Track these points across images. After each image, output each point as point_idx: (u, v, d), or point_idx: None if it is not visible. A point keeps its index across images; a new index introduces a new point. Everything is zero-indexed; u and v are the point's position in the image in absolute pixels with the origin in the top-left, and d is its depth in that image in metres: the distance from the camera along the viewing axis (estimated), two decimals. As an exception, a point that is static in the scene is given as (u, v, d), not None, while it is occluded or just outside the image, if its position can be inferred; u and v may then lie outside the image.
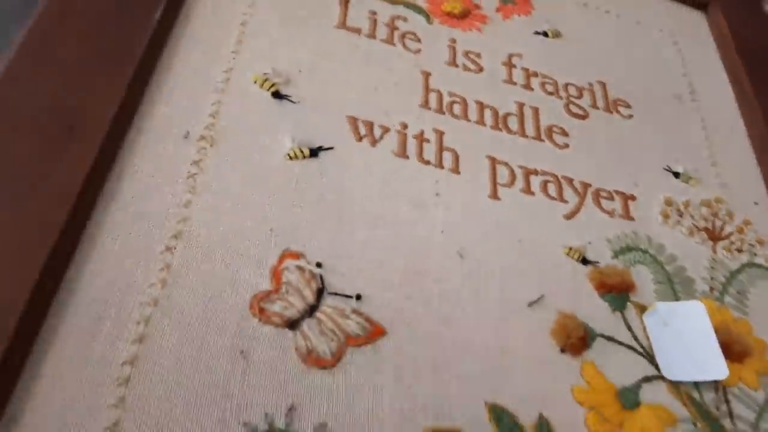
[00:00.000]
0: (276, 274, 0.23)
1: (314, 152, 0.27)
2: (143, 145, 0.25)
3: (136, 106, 0.25)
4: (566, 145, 0.32)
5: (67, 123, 0.23)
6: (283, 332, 0.22)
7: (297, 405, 0.21)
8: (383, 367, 0.23)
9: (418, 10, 0.34)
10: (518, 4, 0.37)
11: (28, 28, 0.25)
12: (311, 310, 0.23)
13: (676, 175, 0.33)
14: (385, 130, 0.29)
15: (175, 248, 0.23)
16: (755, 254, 0.31)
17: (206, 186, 0.25)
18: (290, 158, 0.26)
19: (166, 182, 0.24)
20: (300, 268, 0.24)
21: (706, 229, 0.31)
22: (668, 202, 0.31)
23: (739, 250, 0.31)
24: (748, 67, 0.39)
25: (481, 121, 0.31)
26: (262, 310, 0.22)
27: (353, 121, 0.29)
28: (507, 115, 0.32)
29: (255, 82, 0.28)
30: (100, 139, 0.23)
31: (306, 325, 0.23)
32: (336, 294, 0.24)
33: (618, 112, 0.34)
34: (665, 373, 0.25)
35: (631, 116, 0.34)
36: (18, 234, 0.21)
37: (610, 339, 0.26)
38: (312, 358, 0.22)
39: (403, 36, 0.33)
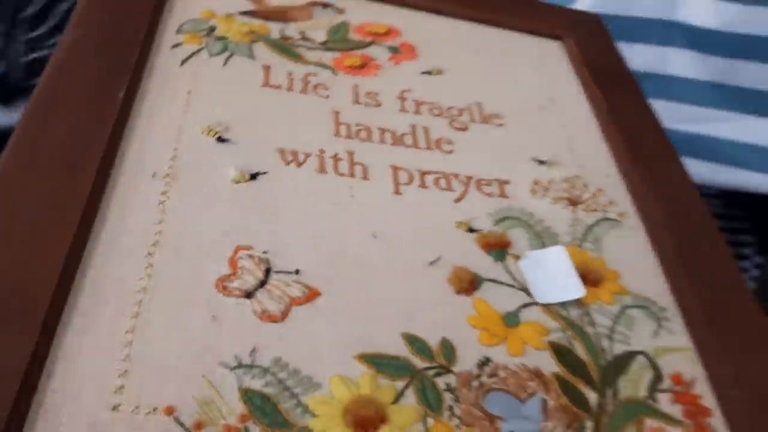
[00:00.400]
0: (233, 263, 0.31)
1: (254, 176, 0.35)
2: (123, 184, 0.32)
3: (114, 157, 0.33)
4: (451, 151, 0.41)
5: (67, 166, 0.31)
6: (243, 301, 0.30)
7: (257, 348, 0.28)
8: (319, 318, 0.30)
9: (325, 66, 0.44)
10: (404, 53, 0.47)
11: (30, 102, 0.34)
12: (262, 283, 0.31)
13: (542, 162, 0.42)
14: (307, 155, 0.37)
15: (154, 253, 0.30)
16: (607, 211, 0.40)
17: (173, 208, 0.32)
18: (236, 182, 0.35)
19: (143, 207, 0.32)
20: (251, 256, 0.31)
21: (567, 198, 0.40)
22: (536, 182, 0.40)
23: (595, 210, 0.39)
24: (597, 79, 0.49)
25: (382, 141, 0.40)
26: (225, 287, 0.30)
27: (281, 151, 0.37)
28: (403, 134, 0.41)
29: (202, 133, 0.36)
30: (91, 179, 0.31)
31: (259, 294, 0.30)
32: (279, 272, 0.31)
33: (492, 122, 0.44)
34: (538, 299, 0.33)
35: (502, 125, 0.44)
36: (38, 246, 0.28)
37: (494, 281, 0.34)
38: (266, 316, 0.29)
39: (315, 87, 0.42)
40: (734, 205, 0.75)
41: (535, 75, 0.49)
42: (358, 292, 0.31)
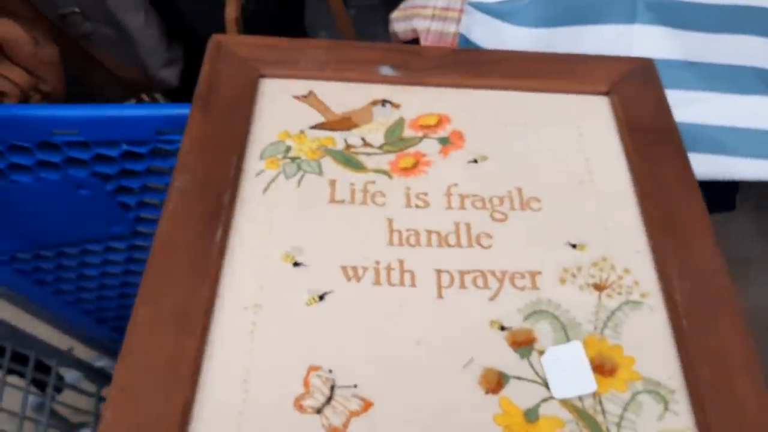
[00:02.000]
0: (306, 383, 0.41)
1: (321, 297, 0.44)
2: (222, 318, 0.43)
3: (215, 297, 0.44)
4: (490, 246, 0.47)
5: (182, 322, 0.42)
6: (315, 416, 0.40)
7: (326, 456, 0.38)
8: (374, 427, 0.39)
9: (383, 172, 0.51)
10: (453, 143, 0.53)
11: (149, 259, 0.45)
12: (328, 399, 0.40)
13: (573, 246, 0.47)
14: (365, 269, 0.46)
15: (248, 380, 0.41)
16: (631, 294, 0.45)
17: (260, 337, 0.42)
18: (308, 305, 0.44)
19: (237, 339, 0.42)
20: (319, 376, 0.41)
21: (594, 284, 0.45)
22: (565, 270, 0.46)
23: (619, 294, 0.44)
24: (638, 143, 0.52)
25: (429, 245, 0.47)
26: (301, 406, 0.40)
27: (344, 269, 0.46)
28: (447, 234, 0.48)
29: (282, 259, 0.46)
30: (199, 330, 0.41)
31: (326, 410, 0.40)
32: (342, 386, 0.41)
33: (530, 208, 0.49)
34: (555, 394, 0.40)
35: (540, 209, 0.49)
36: (162, 390, 0.39)
37: (519, 378, 0.41)
38: (331, 429, 0.39)
39: (373, 196, 0.50)
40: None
41: (576, 146, 0.53)
42: (403, 400, 0.40)
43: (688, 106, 0.69)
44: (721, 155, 0.70)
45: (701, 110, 0.69)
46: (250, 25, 0.88)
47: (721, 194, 0.92)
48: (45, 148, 0.60)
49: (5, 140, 0.58)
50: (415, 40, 0.82)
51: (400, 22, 0.85)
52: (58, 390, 0.87)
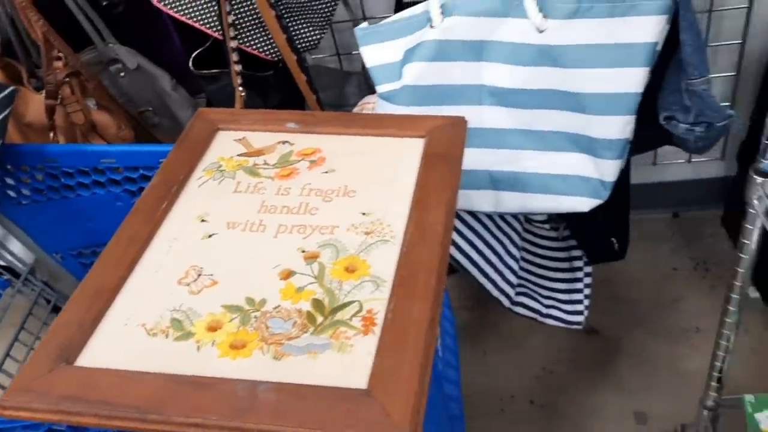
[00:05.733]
0: (187, 272, 0.73)
1: (211, 236, 0.78)
2: (155, 249, 0.77)
3: (151, 238, 0.78)
4: (316, 213, 0.79)
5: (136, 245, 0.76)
6: (185, 287, 0.72)
7: (186, 304, 0.70)
8: (217, 292, 0.71)
9: (269, 177, 0.85)
10: (317, 163, 0.86)
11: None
12: (195, 279, 0.72)
13: (364, 214, 0.78)
14: (240, 223, 0.79)
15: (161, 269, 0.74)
16: (385, 236, 0.74)
17: (176, 252, 0.76)
18: (202, 239, 0.77)
19: (161, 253, 0.76)
20: (194, 268, 0.74)
21: (365, 231, 0.75)
22: (353, 225, 0.76)
23: (378, 236, 0.74)
24: (429, 162, 0.83)
25: (281, 213, 0.80)
26: (180, 283, 0.72)
27: (228, 223, 0.79)
28: (293, 207, 0.80)
29: (197, 219, 0.80)
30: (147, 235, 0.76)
31: (192, 285, 0.72)
32: (204, 275, 0.73)
33: (348, 195, 0.81)
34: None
35: (355, 196, 0.81)
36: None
37: (301, 273, 0.72)
38: (191, 292, 0.71)
39: (259, 189, 0.84)
40: (566, 228, 0.99)
41: (391, 164, 0.85)
42: (240, 281, 0.71)
43: (524, 161, 1.00)
44: (548, 194, 0.99)
45: (532, 164, 1.00)
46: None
47: (614, 248, 1.18)
48: (96, 172, 0.99)
49: (74, 165, 0.98)
50: None
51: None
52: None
